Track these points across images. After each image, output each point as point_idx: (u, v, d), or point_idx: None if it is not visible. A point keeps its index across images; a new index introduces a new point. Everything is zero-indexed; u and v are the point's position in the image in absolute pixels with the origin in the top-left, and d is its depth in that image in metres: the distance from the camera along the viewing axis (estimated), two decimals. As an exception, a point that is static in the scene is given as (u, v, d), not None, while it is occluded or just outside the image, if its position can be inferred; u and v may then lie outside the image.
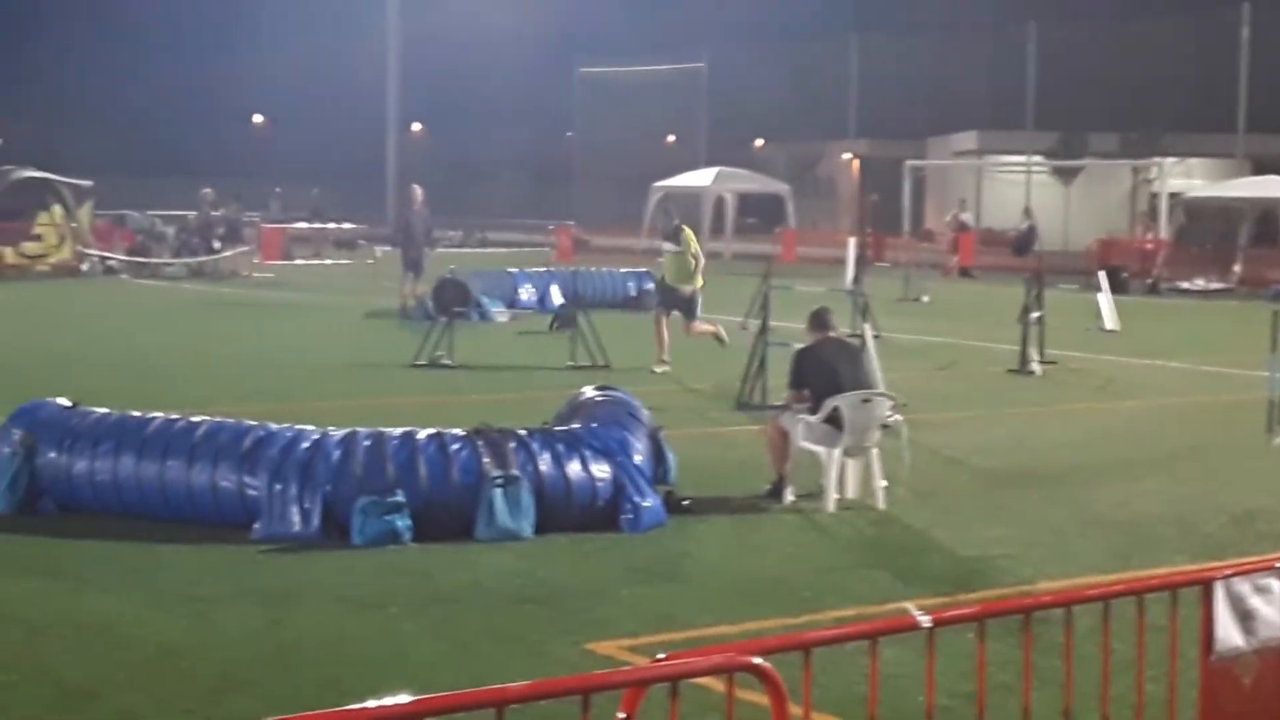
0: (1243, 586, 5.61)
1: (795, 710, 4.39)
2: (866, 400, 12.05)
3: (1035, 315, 21.28)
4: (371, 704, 3.76)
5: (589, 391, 12.63)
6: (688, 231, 20.85)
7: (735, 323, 24.08)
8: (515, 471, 10.63)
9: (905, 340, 24.41)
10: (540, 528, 10.61)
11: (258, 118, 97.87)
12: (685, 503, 11.56)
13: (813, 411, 11.92)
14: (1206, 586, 5.54)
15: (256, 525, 10.50)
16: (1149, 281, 40.25)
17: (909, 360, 21.70)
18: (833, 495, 11.75)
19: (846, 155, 70.93)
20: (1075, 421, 17.10)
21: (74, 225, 39.17)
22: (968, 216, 48.15)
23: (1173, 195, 46.10)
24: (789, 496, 11.95)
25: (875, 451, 12.00)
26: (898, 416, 12.67)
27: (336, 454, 10.61)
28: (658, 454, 11.88)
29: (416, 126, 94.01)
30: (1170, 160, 48.83)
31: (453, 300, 24.23)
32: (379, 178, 68.50)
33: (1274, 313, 15.93)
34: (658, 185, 54.20)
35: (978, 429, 16.28)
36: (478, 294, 27.55)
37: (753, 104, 69.72)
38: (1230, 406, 18.42)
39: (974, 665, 5.16)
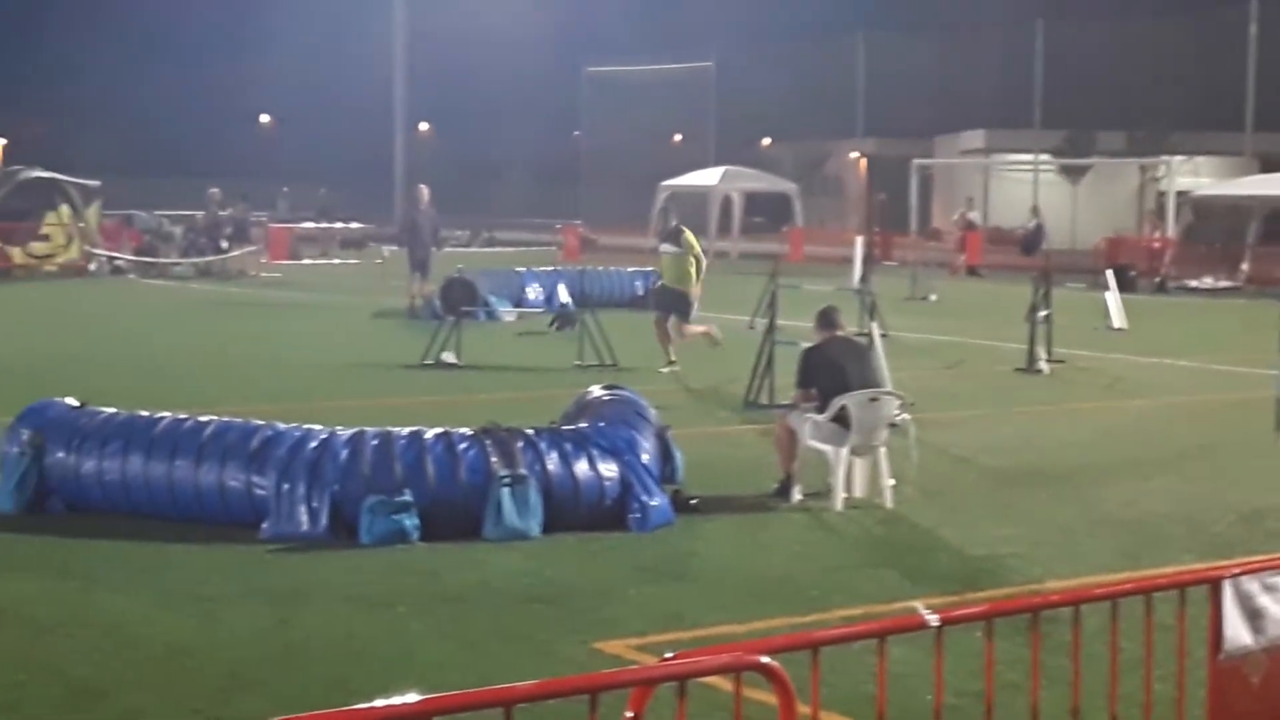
0: (1251, 585, 5.60)
1: (803, 709, 4.39)
2: (874, 399, 12.05)
3: (1043, 314, 21.26)
4: (379, 703, 3.77)
5: (596, 391, 12.62)
6: (688, 233, 20.78)
7: (742, 322, 24.12)
8: (523, 471, 10.63)
9: (913, 339, 24.40)
10: (548, 527, 10.61)
11: (265, 118, 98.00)
12: (693, 502, 11.56)
13: (820, 410, 11.92)
14: (1215, 585, 5.54)
15: (264, 525, 10.51)
16: (1157, 280, 40.19)
17: (916, 359, 21.68)
18: (840, 494, 11.75)
19: (854, 154, 70.92)
20: (1083, 420, 17.08)
21: (82, 225, 39.23)
22: (975, 215, 48.12)
23: (1180, 193, 46.02)
24: (796, 495, 11.95)
25: (883, 450, 12.00)
26: (905, 415, 12.66)
27: (344, 453, 10.62)
28: (665, 453, 11.87)
29: (424, 126, 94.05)
30: (1178, 158, 48.73)
31: (460, 300, 24.24)
32: (386, 177, 68.52)
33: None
34: (665, 184, 54.19)
35: (985, 428, 16.27)
36: (485, 293, 27.56)
37: (760, 103, 69.70)
38: (1238, 405, 18.40)
39: (982, 664, 5.15)
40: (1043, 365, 20.78)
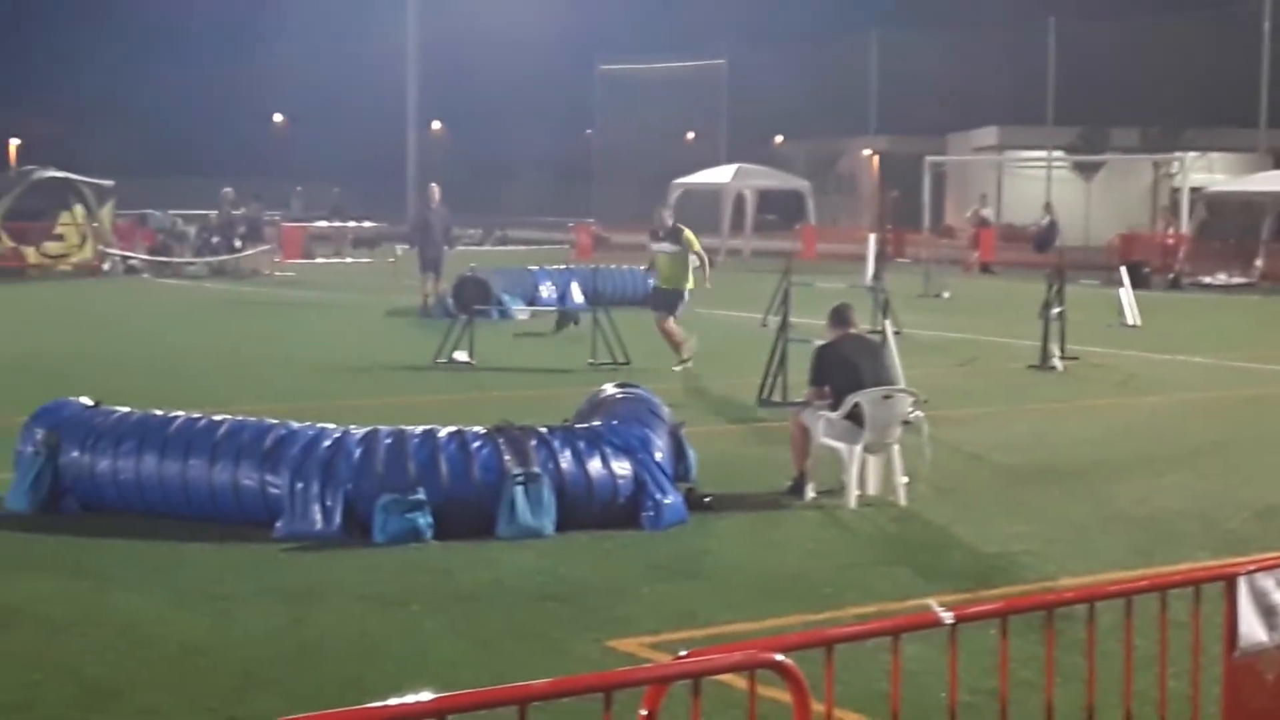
0: (1266, 582, 5.58)
1: (817, 707, 4.39)
2: (887, 397, 12.04)
3: (1056, 311, 21.24)
4: (394, 702, 3.77)
5: (610, 389, 12.63)
6: (688, 232, 20.71)
7: (755, 320, 24.10)
8: (536, 469, 10.63)
9: (926, 336, 24.37)
10: (561, 525, 10.61)
11: (278, 117, 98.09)
12: (706, 500, 11.56)
13: (834, 408, 11.91)
14: (1229, 582, 5.52)
15: (278, 524, 10.52)
16: (1170, 276, 40.13)
17: (930, 356, 21.67)
18: (854, 492, 11.74)
19: (866, 151, 70.86)
20: (1096, 417, 17.06)
21: (96, 225, 39.30)
22: (988, 212, 48.07)
23: (1194, 190, 45.96)
24: (810, 493, 11.94)
25: (896, 448, 11.99)
26: (919, 413, 12.65)
27: (358, 452, 10.63)
28: (679, 451, 11.87)
29: (436, 125, 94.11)
30: (1191, 155, 48.69)
31: (473, 298, 24.25)
32: (399, 176, 68.56)
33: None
34: (678, 182, 54.17)
35: (999, 425, 16.25)
36: (498, 292, 27.57)
37: (772, 101, 69.65)
38: (1252, 401, 18.38)
39: (996, 662, 5.15)
40: (1056, 362, 20.76)
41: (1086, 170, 59.87)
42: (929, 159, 50.98)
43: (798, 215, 56.67)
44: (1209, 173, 54.00)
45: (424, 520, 10.36)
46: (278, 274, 39.94)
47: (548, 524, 10.56)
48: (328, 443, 10.72)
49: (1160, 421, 16.82)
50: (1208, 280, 40.22)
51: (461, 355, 20.34)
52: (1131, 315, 27.40)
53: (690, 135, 79.42)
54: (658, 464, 11.10)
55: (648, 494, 10.93)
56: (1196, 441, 15.31)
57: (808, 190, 55.78)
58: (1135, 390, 19.38)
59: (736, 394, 17.78)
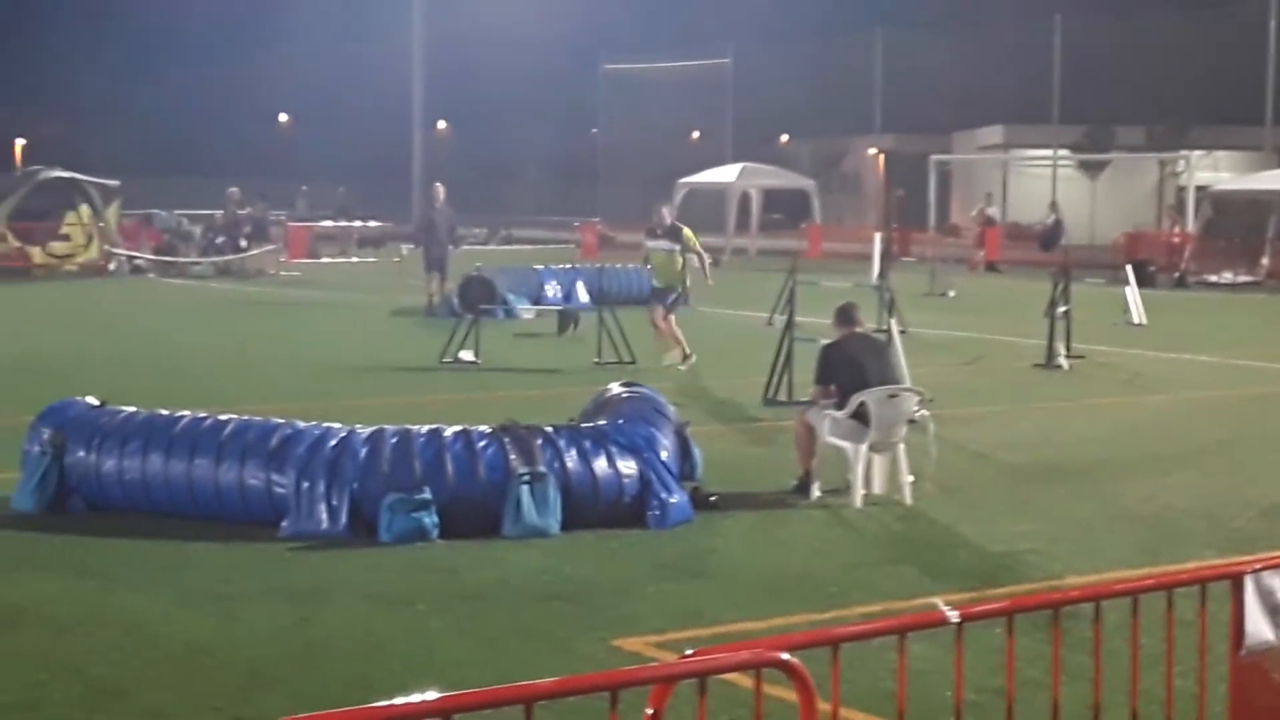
0: (1273, 580, 5.57)
1: (823, 706, 4.38)
2: (893, 395, 12.03)
3: (1062, 309, 21.23)
4: (399, 701, 3.77)
5: (615, 388, 12.63)
6: (687, 230, 20.77)
7: (761, 319, 24.10)
8: (542, 468, 10.63)
9: (931, 335, 24.36)
10: (567, 524, 10.61)
11: (283, 117, 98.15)
12: (712, 499, 11.56)
13: (839, 407, 11.91)
14: (1236, 580, 5.51)
15: (284, 523, 10.53)
16: (1176, 275, 40.10)
17: (935, 355, 21.66)
18: (859, 491, 11.74)
19: (872, 150, 70.82)
20: (1102, 416, 17.05)
21: (101, 225, 39.32)
22: (994, 211, 48.05)
23: (1200, 188, 45.90)
24: (815, 492, 11.94)
25: (902, 447, 11.99)
26: (924, 412, 12.65)
27: (363, 451, 10.63)
28: (684, 450, 11.87)
29: (442, 124, 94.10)
30: (1197, 153, 48.63)
31: (479, 298, 24.24)
32: (404, 176, 68.54)
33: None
34: (683, 181, 54.15)
35: (1004, 424, 16.24)
36: (504, 291, 27.57)
37: (778, 100, 69.64)
38: (1258, 400, 18.36)
39: (1002, 660, 5.15)
40: (1062, 361, 20.75)
41: (1092, 169, 59.83)
42: (934, 157, 50.92)
43: (803, 214, 56.65)
44: (1214, 171, 53.96)
45: (429, 519, 10.36)
46: (283, 274, 39.96)
47: (553, 523, 10.57)
48: (333, 442, 10.73)
49: (1166, 420, 16.81)
50: (1213, 279, 40.18)
51: (467, 355, 20.35)
52: (1137, 314, 27.39)
53: (695, 134, 79.41)
54: (663, 463, 11.10)
55: (653, 493, 10.93)
56: (1202, 440, 15.29)
57: (813, 189, 55.75)
58: (1141, 389, 19.36)
59: (742, 393, 17.77)
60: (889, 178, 64.69)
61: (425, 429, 10.92)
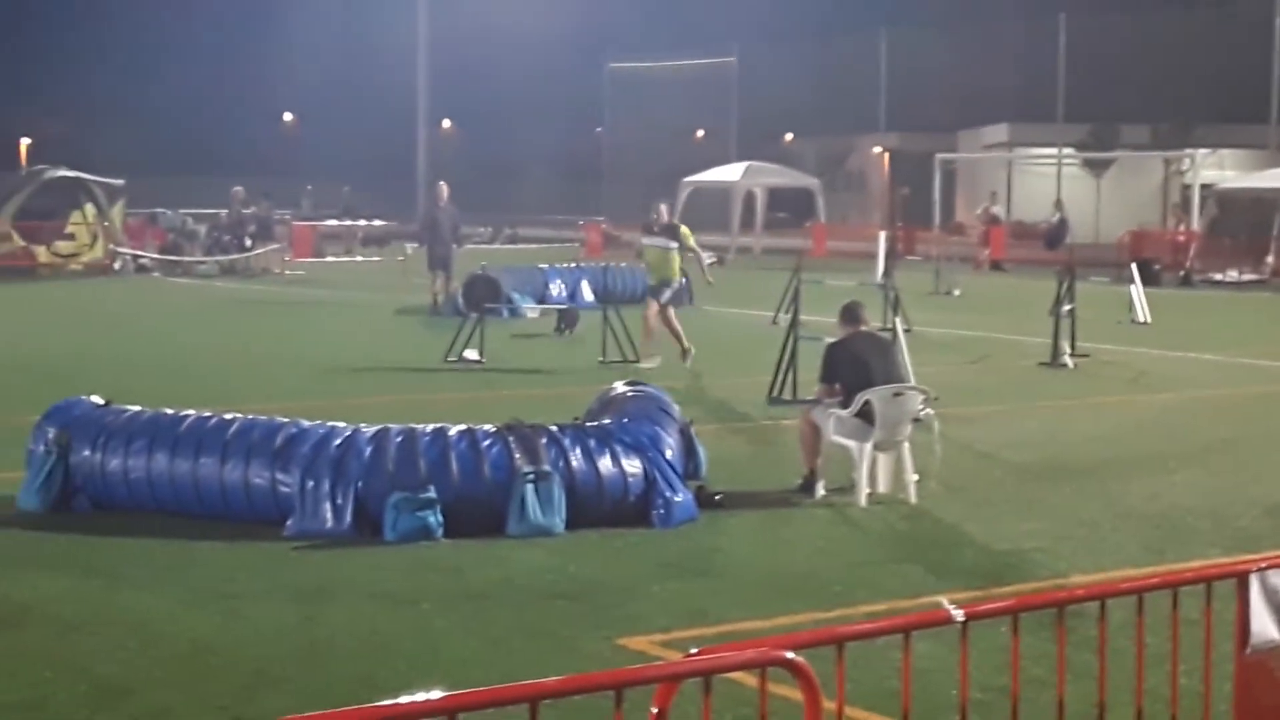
0: (1278, 579, 5.57)
1: (828, 705, 4.38)
2: (898, 394, 12.03)
3: (1067, 308, 21.22)
4: (404, 700, 3.77)
5: (620, 387, 12.63)
6: (685, 228, 20.83)
7: (766, 318, 24.09)
8: (547, 467, 10.63)
9: (936, 334, 24.35)
10: (571, 523, 10.61)
11: (288, 116, 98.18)
12: (716, 498, 11.56)
13: (844, 406, 11.91)
14: (1241, 579, 5.51)
15: (289, 522, 10.53)
16: (1181, 273, 40.08)
17: (940, 354, 21.65)
18: (864, 489, 11.73)
19: (877, 149, 70.80)
20: (1107, 414, 17.04)
21: (106, 224, 39.35)
22: (999, 210, 48.02)
23: (1205, 187, 45.88)
24: (820, 491, 11.94)
25: (907, 446, 11.98)
26: (929, 410, 12.65)
27: (368, 450, 10.63)
28: (689, 449, 11.87)
29: (446, 123, 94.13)
30: (1202, 152, 48.59)
31: (483, 296, 24.24)
32: (409, 175, 68.57)
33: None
34: (687, 180, 54.14)
35: (1009, 423, 16.23)
36: (508, 290, 27.57)
37: (782, 98, 69.60)
38: (1263, 398, 18.35)
39: (1007, 659, 5.14)
40: (1067, 359, 20.74)
41: (1097, 167, 59.79)
42: (939, 156, 50.91)
43: (808, 213, 56.63)
44: (1220, 169, 53.87)
45: (434, 518, 10.36)
46: (288, 273, 39.97)
47: (558, 522, 10.57)
48: (338, 441, 10.73)
49: (1171, 419, 16.80)
50: (1218, 277, 40.16)
51: (472, 354, 20.35)
52: (1142, 312, 27.37)
53: (700, 133, 79.39)
54: (668, 462, 11.10)
55: (658, 492, 10.93)
56: (1207, 439, 15.28)
57: (818, 188, 55.73)
58: (1146, 387, 19.35)
59: (747, 392, 17.77)
60: (894, 176, 64.66)
61: (430, 428, 10.92)
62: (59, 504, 11.17)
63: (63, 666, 7.75)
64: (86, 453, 11.20)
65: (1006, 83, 63.67)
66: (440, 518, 10.37)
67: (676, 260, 20.51)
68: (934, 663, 7.06)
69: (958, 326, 26.07)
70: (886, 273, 24.92)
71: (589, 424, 11.51)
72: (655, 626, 8.47)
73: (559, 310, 25.28)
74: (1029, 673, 6.45)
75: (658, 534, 10.69)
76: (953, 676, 5.56)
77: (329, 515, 10.46)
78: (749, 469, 13.08)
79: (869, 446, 11.74)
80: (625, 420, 11.41)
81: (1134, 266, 29.86)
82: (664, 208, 21.09)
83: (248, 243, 40.74)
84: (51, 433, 11.35)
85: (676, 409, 12.21)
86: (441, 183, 29.34)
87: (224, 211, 42.56)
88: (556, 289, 29.65)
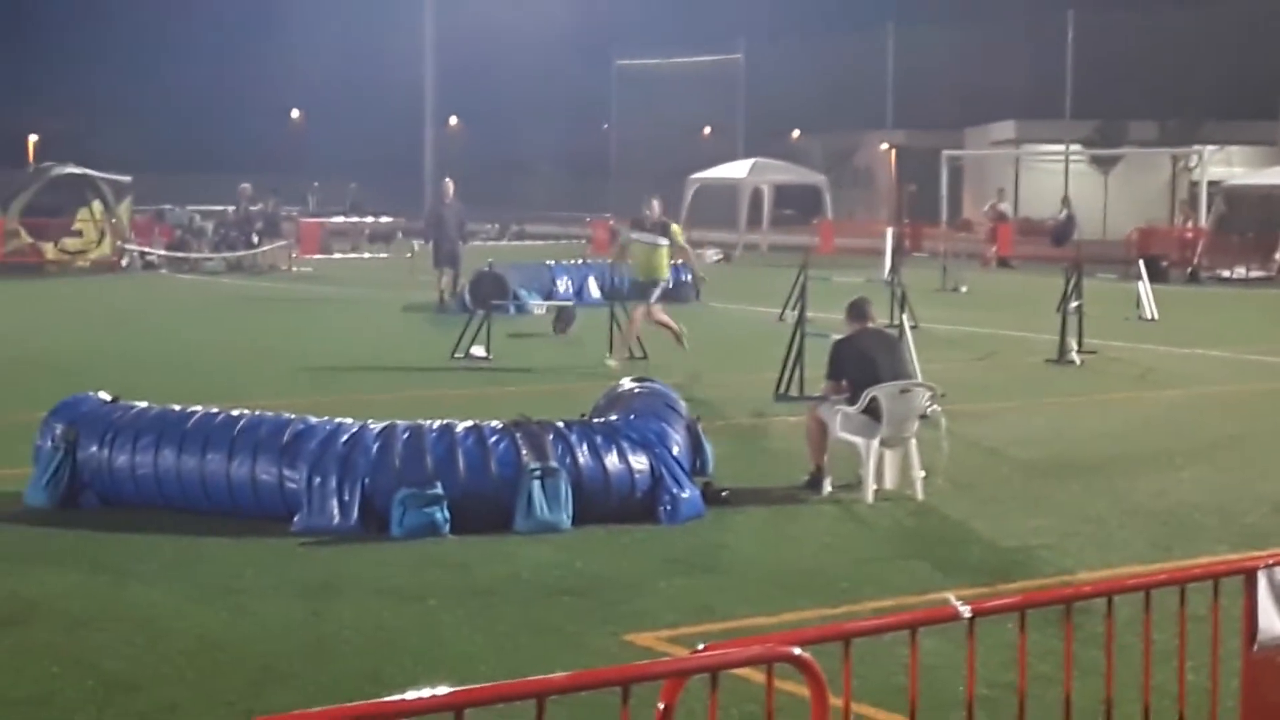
0: (1285, 576, 5.56)
1: (835, 701, 4.38)
2: (905, 391, 12.02)
3: (1074, 305, 21.20)
4: (411, 696, 3.77)
5: (627, 383, 12.64)
6: (676, 226, 20.79)
7: (773, 315, 24.09)
8: (553, 463, 10.64)
9: (943, 331, 24.34)
10: (578, 519, 10.61)
11: (295, 113, 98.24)
12: (723, 494, 11.56)
13: (851, 402, 11.91)
14: (1249, 576, 5.50)
15: (296, 518, 10.54)
16: (1189, 270, 40.03)
17: (947, 351, 21.64)
18: (871, 486, 11.73)
19: (884, 146, 70.75)
20: (1114, 411, 17.03)
21: (114, 221, 39.36)
22: (1006, 206, 47.97)
23: (1212, 183, 45.83)
24: (827, 487, 11.94)
25: (913, 442, 11.98)
26: (936, 407, 12.64)
27: (375, 447, 10.64)
28: (695, 445, 11.86)
29: (453, 120, 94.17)
30: (1210, 148, 48.52)
31: (490, 293, 24.22)
32: (416, 172, 68.65)
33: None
34: (694, 177, 54.13)
35: (1016, 419, 16.22)
36: (515, 286, 27.57)
37: (789, 95, 69.57)
38: (1271, 395, 18.33)
39: (1014, 655, 5.14)
40: (1074, 356, 20.72)
41: (1104, 164, 59.73)
42: (946, 153, 50.89)
43: (815, 210, 56.60)
44: (1227, 166, 53.84)
45: (441, 515, 10.37)
46: (295, 269, 39.99)
47: (565, 518, 10.57)
48: (345, 437, 10.74)
49: (1178, 415, 16.78)
50: (1226, 274, 40.11)
51: (478, 350, 20.35)
52: (1149, 309, 27.35)
53: (707, 130, 79.38)
54: (675, 458, 11.10)
55: (665, 488, 10.93)
56: (1215, 435, 15.27)
57: (825, 185, 55.70)
58: (1153, 384, 19.33)
59: (754, 388, 17.76)
60: (901, 173, 64.63)
61: (437, 424, 10.92)
62: (66, 500, 11.18)
63: (70, 662, 7.76)
64: (94, 449, 11.21)
65: (1014, 79, 63.62)
66: (447, 514, 10.38)
67: (665, 258, 20.41)
68: (941, 659, 7.06)
69: (965, 323, 26.05)
70: (893, 269, 24.92)
71: (596, 420, 11.51)
72: (662, 623, 8.47)
73: (557, 308, 25.18)
74: (1036, 669, 6.45)
75: (664, 530, 10.69)
76: (959, 673, 5.56)
77: (336, 511, 10.47)
78: (756, 465, 13.08)
79: (876, 443, 11.74)
80: (632, 417, 11.41)
81: (1141, 263, 29.86)
82: (656, 203, 20.88)
83: (255, 239, 40.75)
84: (59, 429, 11.36)
85: (683, 405, 12.22)
86: (447, 179, 29.35)
87: (231, 208, 42.57)
88: (563, 286, 29.64)
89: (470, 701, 3.78)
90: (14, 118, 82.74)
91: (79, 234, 39.10)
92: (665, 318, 20.39)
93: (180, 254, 40.80)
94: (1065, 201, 47.70)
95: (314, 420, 11.08)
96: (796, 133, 79.03)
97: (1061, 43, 56.31)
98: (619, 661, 7.40)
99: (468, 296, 25.84)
